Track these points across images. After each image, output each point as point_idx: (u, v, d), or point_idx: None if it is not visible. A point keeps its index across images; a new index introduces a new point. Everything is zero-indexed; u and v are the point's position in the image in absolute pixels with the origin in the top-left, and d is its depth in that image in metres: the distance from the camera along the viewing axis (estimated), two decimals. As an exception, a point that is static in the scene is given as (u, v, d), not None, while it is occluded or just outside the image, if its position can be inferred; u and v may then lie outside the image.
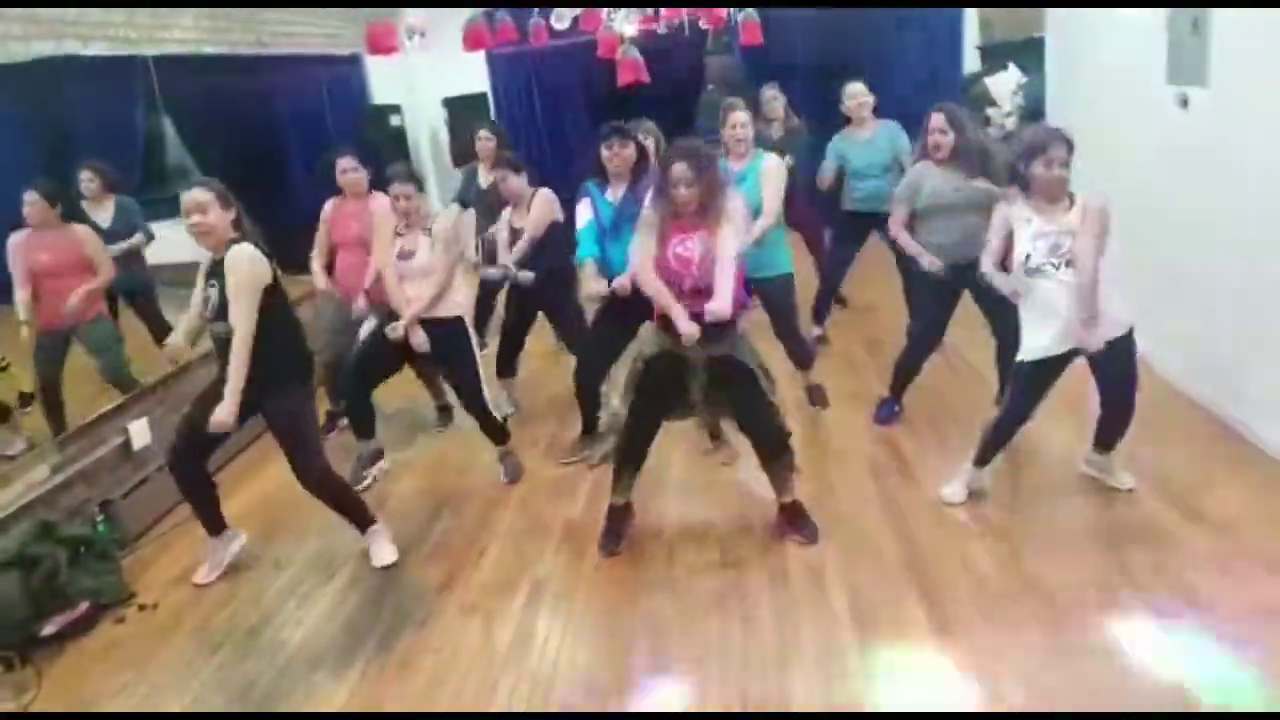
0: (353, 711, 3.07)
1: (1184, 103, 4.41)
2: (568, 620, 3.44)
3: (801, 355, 5.02)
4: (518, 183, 4.90)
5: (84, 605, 3.68)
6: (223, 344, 3.59)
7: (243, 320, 3.50)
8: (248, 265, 3.52)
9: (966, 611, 3.20)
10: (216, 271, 3.59)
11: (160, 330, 5.71)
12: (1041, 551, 3.56)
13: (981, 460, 3.91)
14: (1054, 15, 6.38)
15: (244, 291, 3.51)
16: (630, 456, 3.84)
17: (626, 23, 5.14)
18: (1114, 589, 3.24)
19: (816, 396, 5.09)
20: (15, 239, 4.83)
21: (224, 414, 3.51)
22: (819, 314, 6.07)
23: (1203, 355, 4.52)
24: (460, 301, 4.53)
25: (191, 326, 3.75)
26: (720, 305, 3.37)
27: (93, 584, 3.75)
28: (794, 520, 3.80)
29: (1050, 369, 3.68)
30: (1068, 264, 3.49)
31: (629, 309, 4.05)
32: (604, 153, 4.43)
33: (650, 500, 4.14)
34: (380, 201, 4.86)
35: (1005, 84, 7.06)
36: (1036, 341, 3.63)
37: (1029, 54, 7.11)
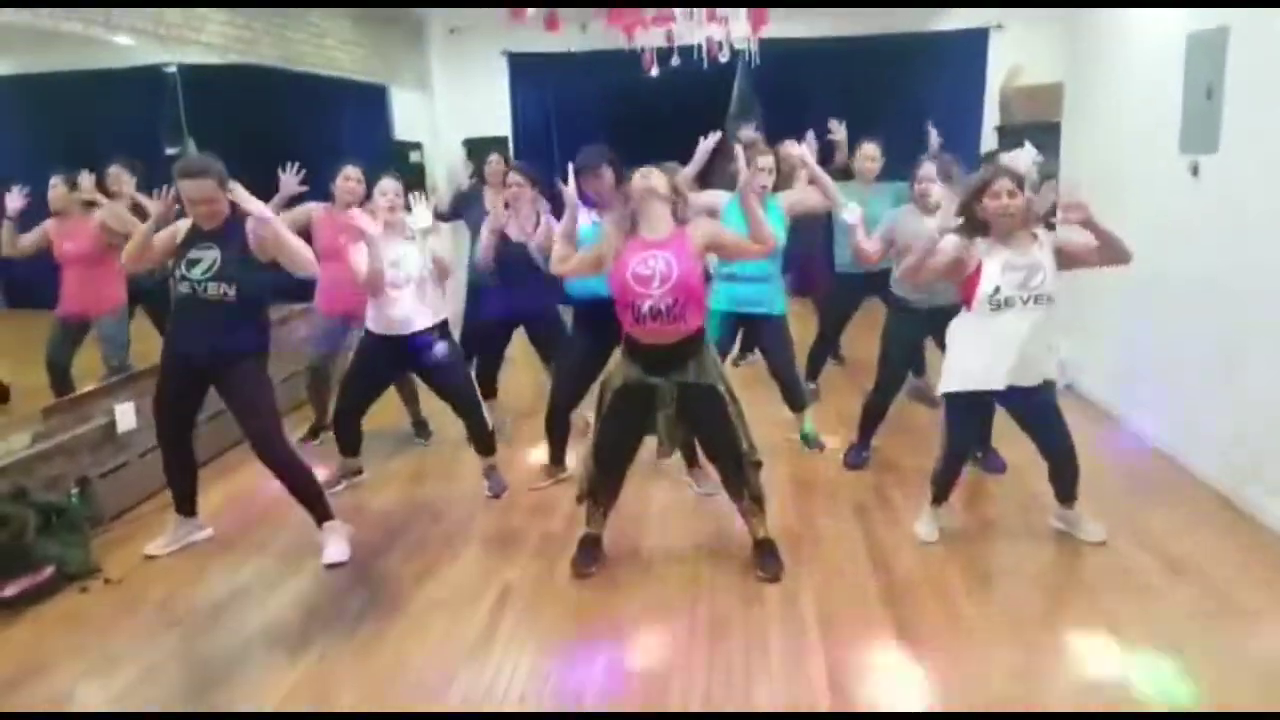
0: (360, 712, 2.96)
1: (1195, 170, 4.47)
2: (534, 623, 3.38)
3: (796, 397, 5.00)
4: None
5: (48, 571, 3.63)
6: (206, 306, 3.66)
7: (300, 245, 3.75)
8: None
9: (939, 640, 3.14)
10: (215, 236, 3.67)
11: None
12: (1020, 591, 3.54)
13: (937, 499, 3.94)
14: (1071, 97, 6.51)
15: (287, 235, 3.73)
16: (602, 488, 3.74)
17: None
18: (1090, 628, 3.19)
19: (812, 441, 5.06)
20: (48, 221, 5.11)
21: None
22: (813, 370, 6.06)
23: (1197, 423, 4.49)
24: (441, 305, 4.50)
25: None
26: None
27: (59, 552, 3.70)
28: (761, 557, 3.70)
29: (983, 403, 3.76)
30: (1035, 300, 3.53)
31: (603, 329, 4.02)
32: (583, 186, 4.29)
33: (629, 525, 4.09)
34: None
35: (1020, 160, 7.12)
36: (971, 371, 3.65)
37: (1046, 137, 7.20)
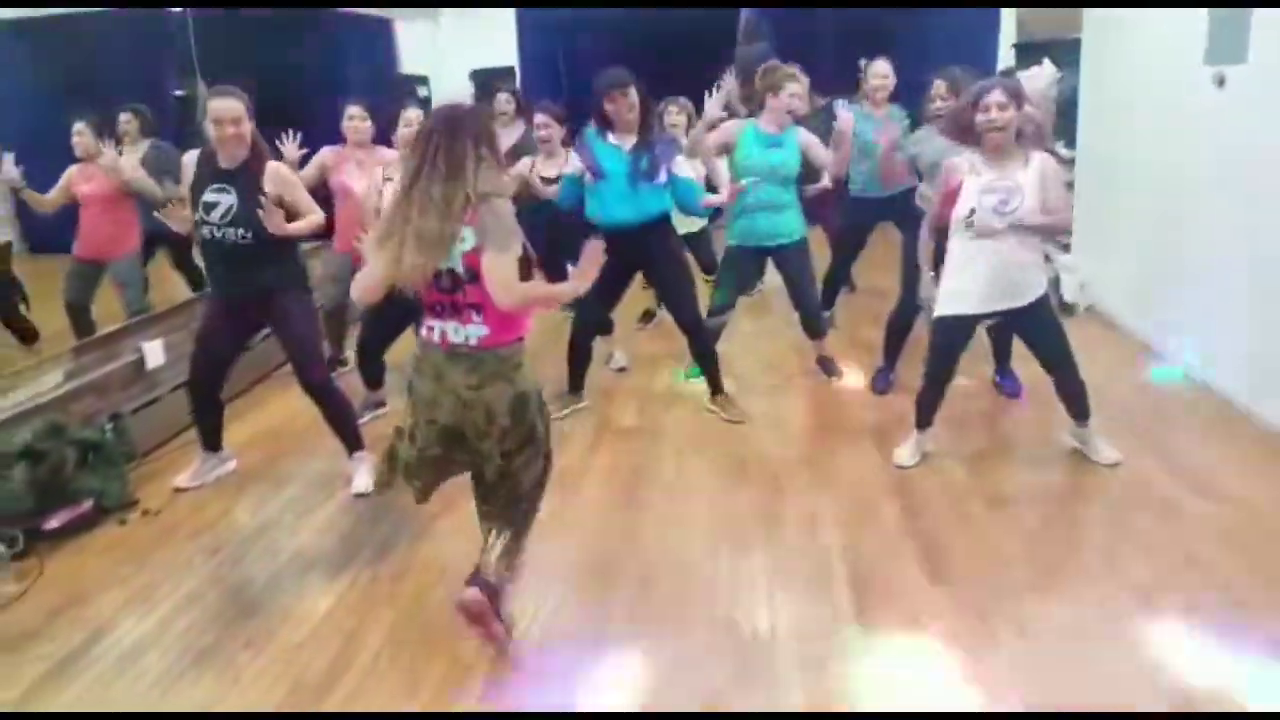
0: (352, 713, 3.10)
1: (1220, 82, 4.40)
2: (559, 549, 3.45)
3: (815, 324, 5.02)
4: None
5: (87, 504, 3.74)
6: (229, 249, 3.69)
7: (315, 211, 3.84)
8: (292, 173, 3.82)
9: (962, 563, 3.20)
10: (232, 179, 3.66)
11: (193, 276, 5.84)
12: (1041, 511, 3.59)
13: (921, 424, 3.97)
14: (1091, 11, 6.39)
15: (304, 192, 3.84)
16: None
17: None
18: (1114, 551, 3.23)
19: (829, 367, 5.10)
20: (72, 168, 5.16)
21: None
22: (828, 298, 6.05)
23: (1218, 339, 4.51)
24: None
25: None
26: None
27: (98, 485, 3.80)
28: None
29: (969, 326, 3.77)
30: (1011, 225, 3.52)
31: (624, 253, 4.06)
32: (608, 106, 4.32)
33: (651, 453, 4.19)
34: (387, 154, 4.81)
35: (1039, 79, 7.01)
36: (959, 294, 3.68)
37: (1065, 53, 7.08)
